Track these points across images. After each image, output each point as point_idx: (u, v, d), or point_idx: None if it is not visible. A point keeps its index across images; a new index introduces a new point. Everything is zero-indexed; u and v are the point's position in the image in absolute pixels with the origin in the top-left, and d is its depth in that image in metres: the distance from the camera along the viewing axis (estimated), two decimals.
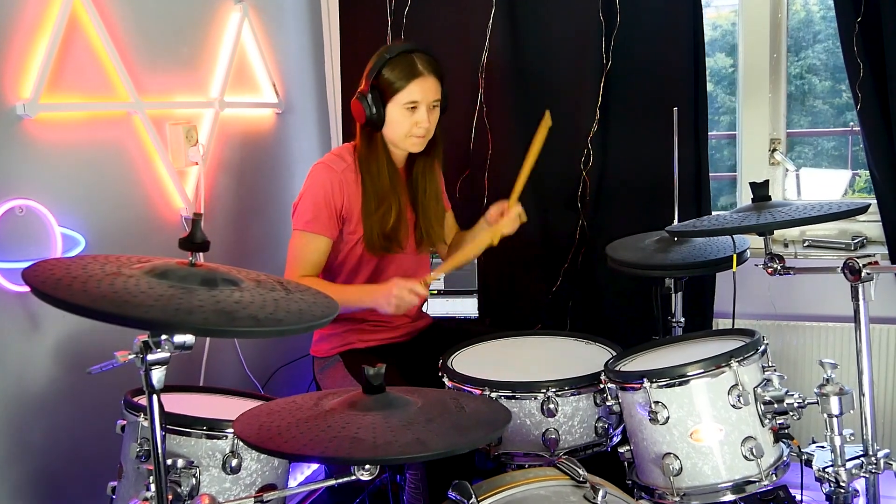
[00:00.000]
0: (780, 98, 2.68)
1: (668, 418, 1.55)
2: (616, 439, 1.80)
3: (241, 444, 1.48)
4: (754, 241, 1.98)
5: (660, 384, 1.56)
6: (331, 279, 2.08)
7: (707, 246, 2.05)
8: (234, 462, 1.47)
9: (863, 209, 1.66)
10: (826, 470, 1.57)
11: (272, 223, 2.63)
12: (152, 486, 1.19)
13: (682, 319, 2.16)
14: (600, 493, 1.31)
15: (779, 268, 1.74)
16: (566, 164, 2.66)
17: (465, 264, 2.04)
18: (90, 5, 1.86)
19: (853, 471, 1.57)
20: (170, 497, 1.27)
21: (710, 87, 2.58)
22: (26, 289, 1.26)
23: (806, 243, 2.63)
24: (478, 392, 1.75)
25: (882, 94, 2.31)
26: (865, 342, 1.62)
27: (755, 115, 2.70)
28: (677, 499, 1.55)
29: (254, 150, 2.56)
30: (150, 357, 1.09)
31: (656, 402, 1.55)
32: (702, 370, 1.54)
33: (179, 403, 1.62)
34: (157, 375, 1.11)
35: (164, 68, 2.14)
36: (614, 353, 1.88)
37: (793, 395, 1.54)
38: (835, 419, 1.55)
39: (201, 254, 1.21)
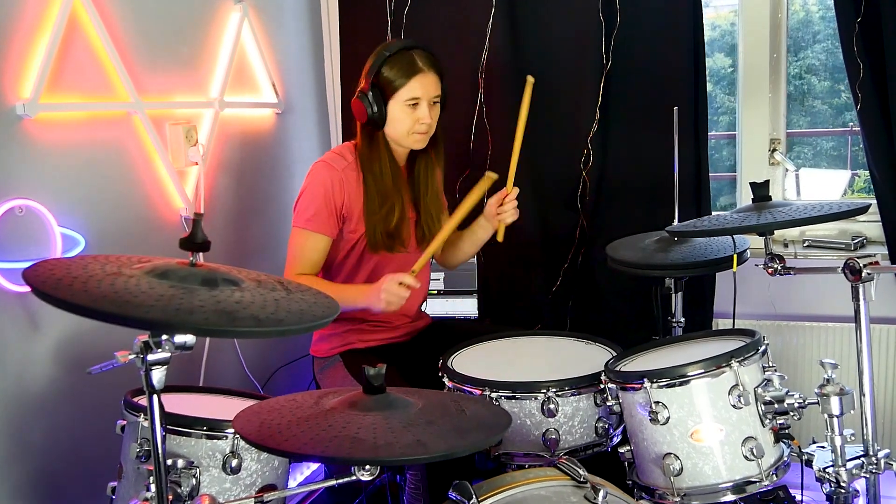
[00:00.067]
0: (779, 98, 2.68)
1: (668, 418, 1.55)
2: (616, 439, 1.80)
3: (241, 444, 1.48)
4: (754, 241, 1.98)
5: (660, 384, 1.56)
6: (330, 278, 2.08)
7: (707, 246, 2.05)
8: (235, 462, 1.47)
9: (863, 209, 1.66)
10: (826, 470, 1.57)
11: (272, 223, 2.63)
12: (152, 487, 1.19)
13: (682, 319, 2.16)
14: (601, 494, 1.31)
15: (779, 268, 1.74)
16: (566, 164, 2.66)
17: (439, 248, 2.04)
18: (90, 5, 1.86)
19: (853, 471, 1.57)
20: (170, 497, 1.27)
21: (708, 87, 2.58)
22: (26, 289, 1.25)
23: (806, 243, 2.63)
24: (478, 392, 1.75)
25: (882, 94, 2.31)
26: (866, 342, 1.62)
27: (755, 115, 2.70)
28: (678, 499, 1.55)
29: (254, 150, 2.56)
30: (150, 357, 1.09)
31: (657, 403, 1.55)
32: (702, 370, 1.54)
33: (179, 403, 1.62)
34: (158, 376, 1.11)
35: (164, 68, 2.14)
36: (614, 354, 1.88)
37: (793, 395, 1.53)
38: (835, 419, 1.55)
39: (201, 254, 1.21)
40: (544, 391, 1.71)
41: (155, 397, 1.13)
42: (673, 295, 2.14)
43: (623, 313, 2.66)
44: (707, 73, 2.55)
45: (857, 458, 1.59)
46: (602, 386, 1.72)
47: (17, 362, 1.72)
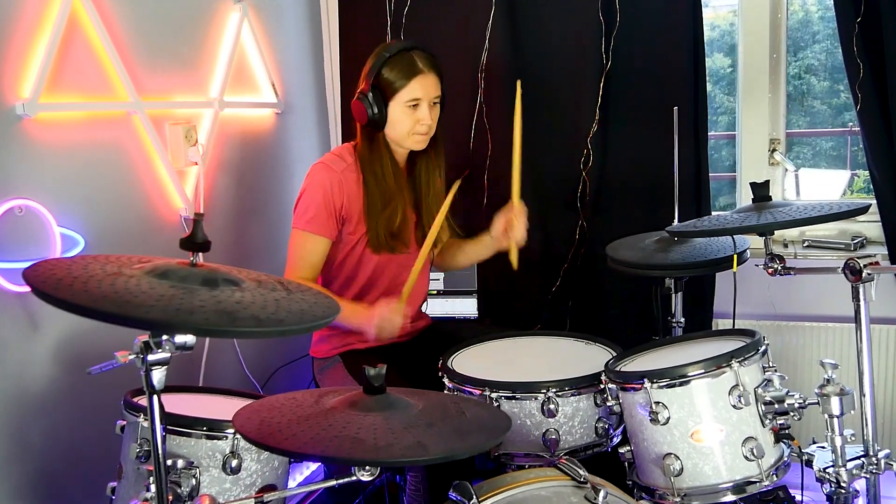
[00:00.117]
0: (779, 98, 2.68)
1: (668, 419, 1.55)
2: (616, 440, 1.80)
3: (241, 444, 1.47)
4: (754, 242, 1.98)
5: (660, 384, 1.56)
6: (330, 280, 2.08)
7: (707, 246, 2.05)
8: (234, 462, 1.47)
9: (863, 209, 1.66)
10: (827, 470, 1.57)
11: (272, 223, 2.63)
12: (152, 487, 1.19)
13: (682, 319, 2.16)
14: (601, 494, 1.31)
15: (779, 268, 1.74)
16: (566, 164, 2.66)
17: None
18: (90, 5, 1.86)
19: (854, 471, 1.56)
20: (170, 498, 1.26)
21: (708, 87, 2.57)
22: (26, 289, 1.25)
23: (806, 243, 2.63)
24: (478, 392, 1.74)
25: (882, 94, 2.31)
26: (866, 342, 1.62)
27: (755, 115, 2.70)
28: (678, 499, 1.55)
29: (253, 150, 2.56)
30: (150, 357, 1.09)
31: (657, 403, 1.55)
32: (702, 370, 1.54)
33: (179, 404, 1.62)
34: (158, 376, 1.11)
35: (164, 68, 2.13)
36: (614, 354, 1.88)
37: (793, 395, 1.53)
38: (835, 419, 1.54)
39: (202, 254, 1.20)
40: (544, 391, 1.71)
41: (155, 397, 1.12)
42: (673, 295, 2.14)
43: (623, 313, 2.65)
44: (707, 73, 2.55)
45: (858, 458, 1.59)
46: (602, 386, 1.72)
47: (17, 362, 1.72)
